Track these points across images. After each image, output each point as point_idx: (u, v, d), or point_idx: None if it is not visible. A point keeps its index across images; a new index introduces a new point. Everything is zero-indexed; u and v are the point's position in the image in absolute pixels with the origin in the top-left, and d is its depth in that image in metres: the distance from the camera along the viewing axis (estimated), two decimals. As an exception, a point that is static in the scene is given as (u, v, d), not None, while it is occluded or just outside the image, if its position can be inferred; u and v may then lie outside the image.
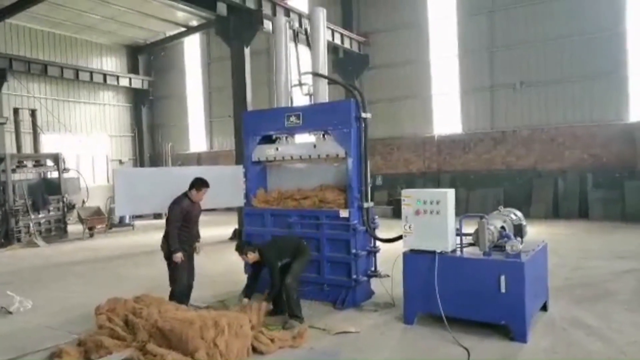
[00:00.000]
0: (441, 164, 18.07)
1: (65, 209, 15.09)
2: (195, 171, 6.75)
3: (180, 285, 6.09)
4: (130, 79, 24.21)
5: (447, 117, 18.18)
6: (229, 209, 16.72)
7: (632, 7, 14.94)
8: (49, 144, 19.15)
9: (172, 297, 6.05)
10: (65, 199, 15.08)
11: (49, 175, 15.58)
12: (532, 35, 16.34)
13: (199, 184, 6.12)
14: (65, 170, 15.33)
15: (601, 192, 14.78)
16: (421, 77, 18.53)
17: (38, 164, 15.16)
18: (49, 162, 15.30)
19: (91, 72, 22.33)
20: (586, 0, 15.36)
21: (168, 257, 6.05)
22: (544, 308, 5.88)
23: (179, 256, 5.93)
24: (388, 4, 18.94)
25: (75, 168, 17.38)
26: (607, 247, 10.15)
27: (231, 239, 13.17)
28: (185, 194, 6.12)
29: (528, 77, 16.50)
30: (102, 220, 15.73)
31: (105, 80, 22.95)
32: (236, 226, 13.37)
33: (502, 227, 5.52)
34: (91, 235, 15.15)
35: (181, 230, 6.05)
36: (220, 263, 9.92)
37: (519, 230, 5.69)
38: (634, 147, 14.67)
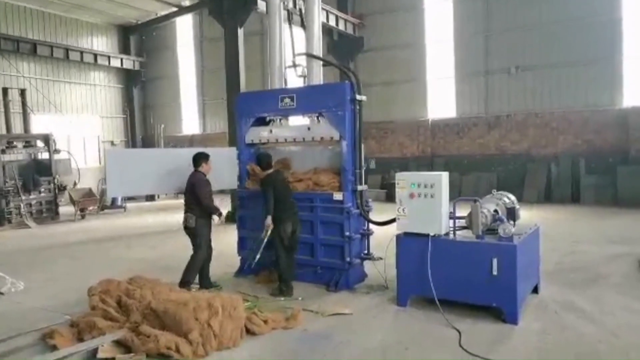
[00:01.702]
0: (435, 148, 18.07)
1: (57, 191, 14.97)
2: (188, 152, 6.68)
3: (203, 253, 6.43)
4: (121, 59, 23.87)
5: (441, 101, 18.14)
6: (222, 191, 16.74)
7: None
8: (39, 124, 18.89)
9: (192, 264, 6.39)
10: (56, 180, 14.95)
11: (39, 156, 15.41)
12: (528, 20, 16.24)
13: (204, 156, 6.44)
14: (56, 151, 15.16)
15: (594, 178, 14.88)
16: (416, 61, 18.41)
17: (28, 144, 14.98)
18: (40, 143, 15.12)
19: (81, 52, 21.99)
20: (583, -16, 15.27)
21: (193, 230, 6.34)
22: (535, 291, 5.93)
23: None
24: (384, -14, 18.71)
25: (66, 149, 17.19)
26: (598, 231, 10.25)
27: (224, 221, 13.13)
28: (196, 171, 6.36)
29: (523, 62, 16.44)
30: (93, 202, 15.64)
31: (96, 60, 22.62)
32: (229, 209, 13.34)
33: (495, 211, 5.52)
34: (83, 217, 15.08)
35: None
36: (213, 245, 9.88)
37: (511, 214, 5.69)
38: (627, 133, 14.74)
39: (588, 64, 15.40)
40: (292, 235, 6.37)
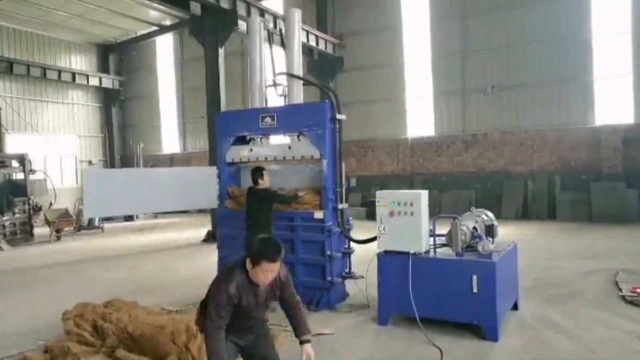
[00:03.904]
0: (414, 166, 18.27)
1: (32, 211, 14.63)
2: (167, 172, 6.63)
3: None
4: (100, 78, 23.69)
5: (420, 119, 18.41)
6: (202, 211, 16.62)
7: (596, 16, 15.44)
8: (14, 144, 18.56)
9: None
10: (31, 201, 14.62)
11: (14, 177, 15.08)
12: (503, 41, 16.69)
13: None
14: (32, 171, 14.87)
15: (569, 194, 15.20)
16: (395, 80, 18.70)
17: (3, 164, 14.65)
18: (15, 163, 14.81)
19: (59, 71, 21.75)
20: (554, 9, 15.79)
21: None
22: (515, 307, 5.99)
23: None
24: (362, 7, 19.06)
25: (42, 169, 16.88)
26: (574, 247, 10.42)
27: (204, 241, 13.01)
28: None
29: (499, 82, 16.85)
30: (69, 223, 15.30)
31: (74, 79, 22.39)
32: (210, 228, 13.21)
33: (474, 228, 5.59)
34: (58, 238, 14.73)
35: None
36: (193, 265, 9.76)
37: (490, 231, 5.76)
38: (599, 151, 15.13)
39: (561, 83, 15.86)
40: None
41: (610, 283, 7.17)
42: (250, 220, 6.43)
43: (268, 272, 3.15)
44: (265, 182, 6.55)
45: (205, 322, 3.19)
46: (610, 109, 15.36)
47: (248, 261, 3.16)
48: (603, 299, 6.42)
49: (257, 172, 6.59)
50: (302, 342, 3.41)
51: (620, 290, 6.65)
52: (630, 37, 14.99)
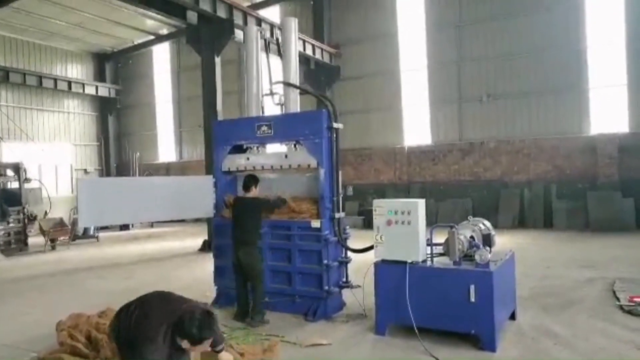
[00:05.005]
0: (411, 174, 18.28)
1: (26, 221, 14.51)
2: (163, 181, 6.60)
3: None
4: (96, 86, 23.71)
5: (417, 128, 18.46)
6: (198, 220, 16.55)
7: (591, 25, 15.58)
8: (9, 152, 18.48)
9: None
10: (26, 210, 14.52)
11: (9, 186, 14.99)
12: (499, 50, 16.81)
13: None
14: (27, 180, 14.75)
15: (565, 203, 15.22)
16: (392, 89, 18.77)
17: (-3, 173, 14.57)
18: (9, 172, 14.72)
19: (55, 80, 21.77)
20: (549, 18, 15.93)
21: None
22: (513, 317, 5.96)
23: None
24: (359, 16, 19.19)
25: (37, 178, 16.79)
26: (571, 256, 10.42)
27: (201, 250, 12.94)
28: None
29: (494, 90, 16.94)
30: (64, 232, 15.20)
31: (70, 87, 22.41)
32: (206, 237, 13.15)
33: (472, 237, 5.58)
34: (53, 248, 14.61)
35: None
36: (189, 275, 9.69)
37: (487, 240, 5.76)
38: (596, 159, 15.19)
39: (556, 92, 15.95)
40: (238, 266, 6.31)
41: (607, 292, 7.15)
42: (237, 231, 6.36)
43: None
44: (255, 192, 6.53)
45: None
46: (605, 117, 15.44)
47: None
48: (600, 308, 6.40)
49: (253, 179, 6.57)
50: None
51: (617, 299, 6.63)
52: (625, 46, 15.12)
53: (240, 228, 6.35)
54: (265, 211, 6.57)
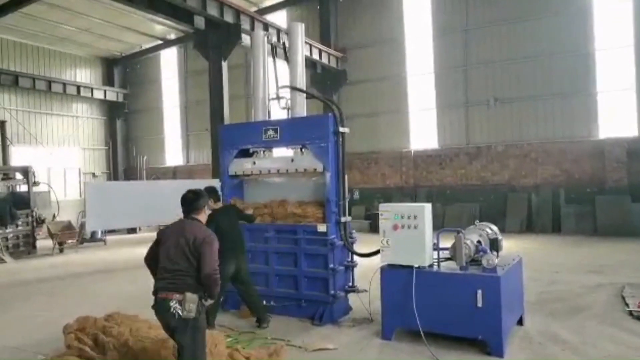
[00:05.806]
0: (418, 178, 18.23)
1: (35, 224, 14.61)
2: (170, 185, 6.62)
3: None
4: (105, 91, 23.89)
5: (423, 132, 18.42)
6: (205, 224, 16.51)
7: (599, 29, 15.49)
8: (18, 156, 18.64)
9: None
10: (34, 213, 14.62)
11: (18, 189, 15.11)
12: (505, 54, 16.76)
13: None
14: (35, 183, 14.88)
15: (573, 207, 15.10)
16: (398, 93, 18.75)
17: (7, 177, 14.67)
18: (18, 176, 14.84)
19: (64, 84, 21.96)
20: (557, 22, 15.87)
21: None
22: (520, 322, 5.91)
23: None
24: (365, 21, 19.21)
25: (46, 181, 16.92)
26: (579, 261, 10.33)
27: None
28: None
29: (501, 94, 16.87)
30: (72, 235, 15.29)
31: (79, 92, 22.60)
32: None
33: (479, 242, 5.55)
34: (61, 251, 14.70)
35: None
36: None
37: (494, 245, 5.72)
38: (604, 163, 15.07)
39: (564, 96, 15.86)
40: (237, 275, 6.19)
41: (616, 297, 7.08)
42: (235, 241, 6.17)
43: None
44: (215, 206, 6.16)
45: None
46: (613, 121, 15.33)
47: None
48: (609, 314, 6.34)
49: (214, 193, 6.21)
50: None
51: (626, 305, 6.56)
52: (633, 50, 15.02)
53: (238, 237, 6.28)
54: (246, 221, 6.55)
